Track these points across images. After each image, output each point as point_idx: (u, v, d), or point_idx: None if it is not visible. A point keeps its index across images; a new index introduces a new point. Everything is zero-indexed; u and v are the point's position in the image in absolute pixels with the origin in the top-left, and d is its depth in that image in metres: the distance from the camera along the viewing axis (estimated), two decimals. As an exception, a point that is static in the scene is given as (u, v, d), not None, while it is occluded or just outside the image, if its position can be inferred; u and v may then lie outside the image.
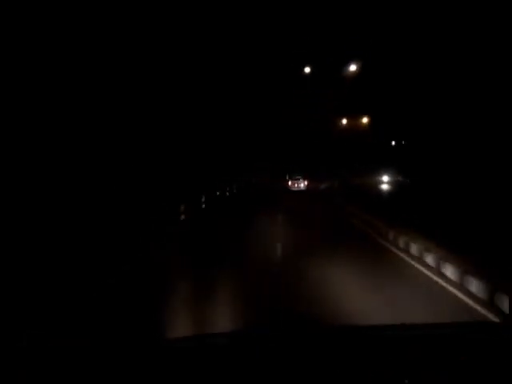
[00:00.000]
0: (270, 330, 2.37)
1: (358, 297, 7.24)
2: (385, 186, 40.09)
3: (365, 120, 46.67)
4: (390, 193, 34.89)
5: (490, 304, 6.89)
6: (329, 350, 1.74)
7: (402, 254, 11.08)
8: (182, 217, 17.73)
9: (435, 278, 8.74)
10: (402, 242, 11.87)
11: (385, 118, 44.68)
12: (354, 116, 47.93)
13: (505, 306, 6.56)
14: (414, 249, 10.86)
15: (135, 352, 1.83)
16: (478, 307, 6.91)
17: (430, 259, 9.78)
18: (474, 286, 7.58)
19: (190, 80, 27.46)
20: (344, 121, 47.33)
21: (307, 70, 37.95)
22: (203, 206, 22.37)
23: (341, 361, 1.65)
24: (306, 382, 1.50)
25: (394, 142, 50.67)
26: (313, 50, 47.73)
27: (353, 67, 35.56)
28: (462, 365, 1.61)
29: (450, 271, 8.64)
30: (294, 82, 51.31)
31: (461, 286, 7.92)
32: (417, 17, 29.93)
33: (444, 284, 8.27)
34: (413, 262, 10.15)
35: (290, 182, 36.67)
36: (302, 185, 36.39)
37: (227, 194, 30.50)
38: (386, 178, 44.83)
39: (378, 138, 48.37)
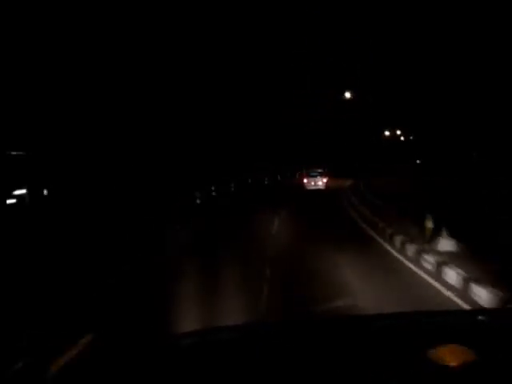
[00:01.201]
0: (273, 324, 2.38)
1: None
2: None
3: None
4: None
5: None
6: (332, 343, 1.75)
7: None
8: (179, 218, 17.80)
9: None
10: None
11: (384, 108, 42.87)
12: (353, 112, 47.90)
13: None
14: None
15: (137, 350, 1.84)
16: None
17: None
18: None
19: (190, 80, 27.49)
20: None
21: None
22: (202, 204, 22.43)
23: (345, 353, 1.65)
24: (310, 376, 1.51)
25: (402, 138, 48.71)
26: (313, 50, 47.73)
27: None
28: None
29: None
30: (294, 81, 51.38)
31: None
32: (416, 10, 29.88)
33: None
34: None
35: (305, 180, 33.00)
36: (319, 182, 33.61)
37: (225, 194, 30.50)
38: None
39: (377, 131, 47.14)
